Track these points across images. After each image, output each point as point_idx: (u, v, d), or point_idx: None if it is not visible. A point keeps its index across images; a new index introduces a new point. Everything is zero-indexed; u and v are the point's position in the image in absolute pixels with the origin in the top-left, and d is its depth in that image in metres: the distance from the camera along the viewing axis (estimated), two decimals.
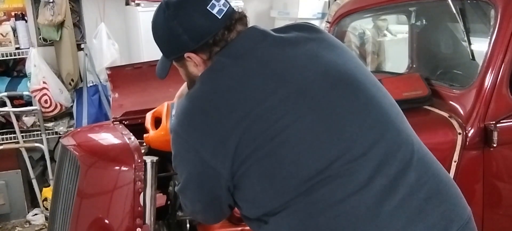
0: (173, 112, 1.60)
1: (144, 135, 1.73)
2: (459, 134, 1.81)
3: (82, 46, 3.83)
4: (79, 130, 2.56)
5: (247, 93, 1.15)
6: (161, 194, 1.85)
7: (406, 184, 1.12)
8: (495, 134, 1.78)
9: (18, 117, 3.71)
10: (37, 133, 3.74)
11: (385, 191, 1.10)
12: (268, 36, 1.26)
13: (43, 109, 3.64)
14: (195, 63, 1.28)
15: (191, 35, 1.23)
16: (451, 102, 1.95)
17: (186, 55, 1.27)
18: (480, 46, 1.95)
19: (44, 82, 3.56)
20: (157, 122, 1.75)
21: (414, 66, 2.60)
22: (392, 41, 3.35)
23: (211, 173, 1.17)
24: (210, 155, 1.15)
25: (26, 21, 3.68)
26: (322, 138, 1.12)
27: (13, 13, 3.67)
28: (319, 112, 1.14)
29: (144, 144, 1.72)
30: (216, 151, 1.14)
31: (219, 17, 1.23)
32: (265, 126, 1.12)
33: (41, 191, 3.77)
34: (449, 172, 1.73)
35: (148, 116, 1.78)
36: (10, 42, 3.58)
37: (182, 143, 1.21)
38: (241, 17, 1.28)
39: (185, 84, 1.52)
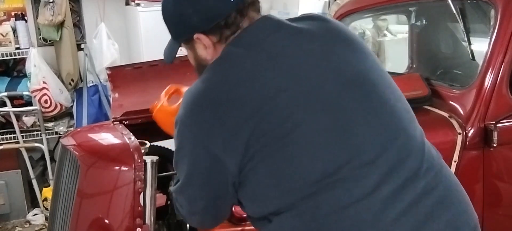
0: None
1: (153, 104, 1.64)
2: (459, 134, 1.81)
3: (82, 46, 3.83)
4: (79, 130, 2.56)
5: (259, 87, 1.11)
6: (161, 194, 1.85)
7: (413, 191, 1.10)
8: (495, 134, 1.78)
9: (18, 117, 3.71)
10: (37, 133, 3.74)
11: (391, 198, 1.08)
12: (283, 26, 1.22)
13: (43, 109, 3.64)
14: (204, 45, 1.24)
15: (202, 16, 1.20)
16: (451, 102, 1.95)
17: (195, 36, 1.22)
18: (480, 46, 1.95)
19: (44, 82, 3.56)
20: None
21: (414, 66, 2.60)
22: (392, 41, 3.36)
23: (218, 168, 1.14)
24: (220, 148, 1.11)
25: (26, 21, 3.68)
26: (331, 141, 1.10)
27: (13, 13, 3.68)
28: (330, 114, 1.11)
29: (145, 143, 1.71)
30: (226, 145, 1.11)
31: (231, 0, 1.19)
32: (276, 123, 1.09)
33: (41, 191, 3.77)
34: None
35: (170, 87, 1.70)
36: (10, 42, 3.59)
37: (189, 135, 1.16)
38: (254, 2, 1.23)
39: None
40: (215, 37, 1.22)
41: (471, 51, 2.01)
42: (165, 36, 1.34)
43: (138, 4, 3.58)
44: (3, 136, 3.71)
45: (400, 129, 1.16)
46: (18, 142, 3.71)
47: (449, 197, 1.15)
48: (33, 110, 3.68)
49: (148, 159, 1.60)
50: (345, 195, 1.08)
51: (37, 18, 3.68)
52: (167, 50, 1.33)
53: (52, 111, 3.68)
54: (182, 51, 1.34)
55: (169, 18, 1.28)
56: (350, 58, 1.20)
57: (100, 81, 3.77)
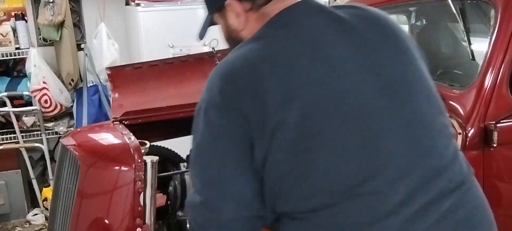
0: None
1: None
2: (459, 134, 1.80)
3: (82, 46, 3.83)
4: (79, 130, 2.57)
5: (294, 73, 1.04)
6: (161, 194, 1.85)
7: (438, 210, 1.04)
8: (495, 134, 1.77)
9: (18, 117, 3.71)
10: (37, 133, 3.74)
11: (414, 217, 1.02)
12: (325, 12, 1.16)
13: (43, 109, 3.64)
14: (237, 13, 1.19)
15: None
16: (451, 102, 1.95)
17: (227, 2, 1.18)
18: (480, 46, 1.95)
19: (44, 82, 3.56)
20: None
21: None
22: None
23: (249, 154, 1.05)
24: (253, 129, 1.02)
25: (26, 21, 3.68)
26: (359, 151, 1.03)
27: (13, 13, 3.68)
28: (362, 121, 1.04)
29: (145, 143, 1.71)
30: (258, 127, 1.02)
31: None
32: (307, 120, 1.02)
33: (41, 191, 3.77)
34: None
35: None
36: (10, 42, 3.59)
37: (216, 117, 1.05)
38: None
39: None
40: (248, 4, 1.17)
41: (471, 51, 2.00)
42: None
43: (138, 4, 3.57)
44: (3, 136, 3.71)
45: (432, 146, 1.09)
46: (18, 142, 3.71)
47: (472, 217, 1.10)
48: (33, 110, 3.68)
49: (148, 159, 1.60)
50: (367, 211, 1.01)
51: (37, 18, 3.68)
52: (201, 28, 1.30)
53: (52, 111, 3.68)
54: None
55: None
56: (391, 59, 1.12)
57: (100, 81, 3.76)
